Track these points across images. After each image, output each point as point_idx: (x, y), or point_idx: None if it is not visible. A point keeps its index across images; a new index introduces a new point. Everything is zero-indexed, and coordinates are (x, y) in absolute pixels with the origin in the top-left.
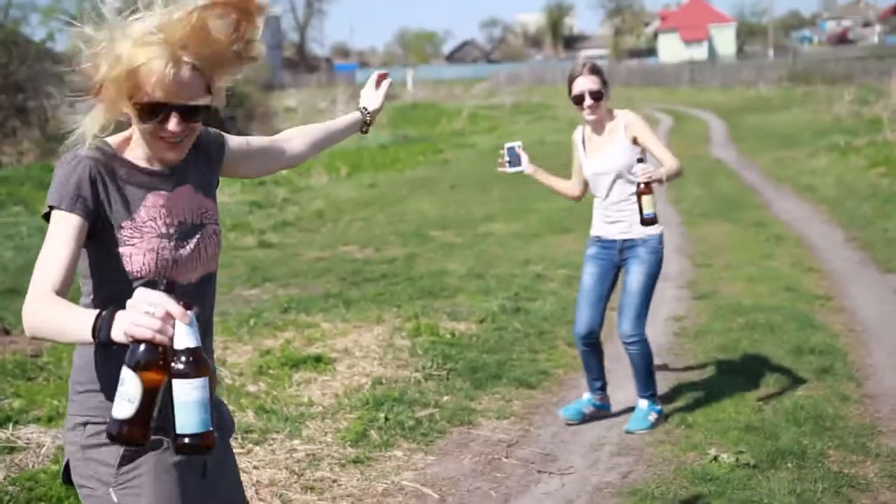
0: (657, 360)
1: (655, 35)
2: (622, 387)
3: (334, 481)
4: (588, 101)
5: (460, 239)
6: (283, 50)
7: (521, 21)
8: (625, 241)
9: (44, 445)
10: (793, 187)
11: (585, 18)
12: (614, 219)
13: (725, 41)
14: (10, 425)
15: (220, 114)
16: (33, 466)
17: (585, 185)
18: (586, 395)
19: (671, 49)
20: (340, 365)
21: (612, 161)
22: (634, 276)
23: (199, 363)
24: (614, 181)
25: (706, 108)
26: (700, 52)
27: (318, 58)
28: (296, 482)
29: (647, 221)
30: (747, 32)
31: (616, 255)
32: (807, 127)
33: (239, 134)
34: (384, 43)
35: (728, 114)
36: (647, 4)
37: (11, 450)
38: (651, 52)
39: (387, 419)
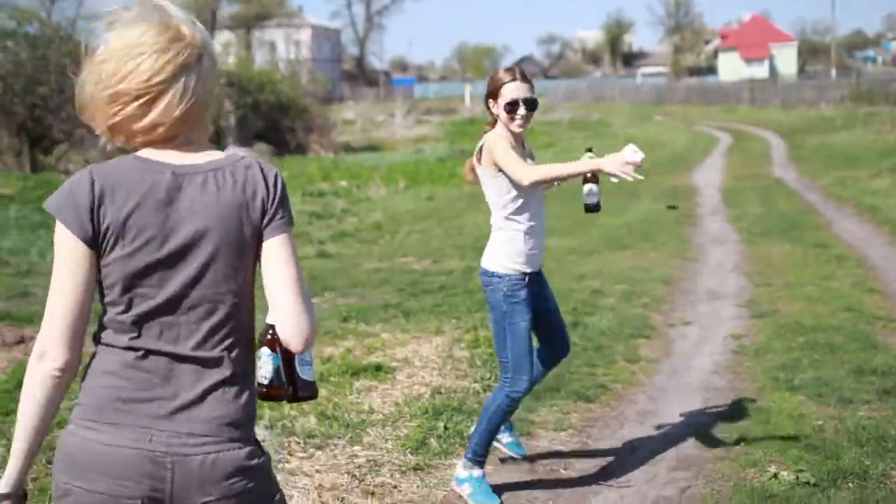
0: (716, 378)
1: (715, 53)
2: (679, 402)
3: (394, 487)
4: (522, 111)
5: None
6: (342, 63)
7: (579, 37)
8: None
9: None
10: (854, 208)
11: (645, 36)
12: (544, 240)
13: (787, 60)
14: None
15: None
16: None
17: None
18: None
19: (731, 67)
20: (400, 374)
21: None
22: (552, 297)
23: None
24: (540, 194)
25: (766, 127)
26: (761, 71)
27: (376, 71)
28: (357, 487)
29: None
30: (809, 51)
31: (534, 286)
32: (870, 147)
33: (298, 145)
34: (443, 58)
35: (789, 133)
36: (707, 22)
37: None
38: (711, 70)
39: (446, 428)
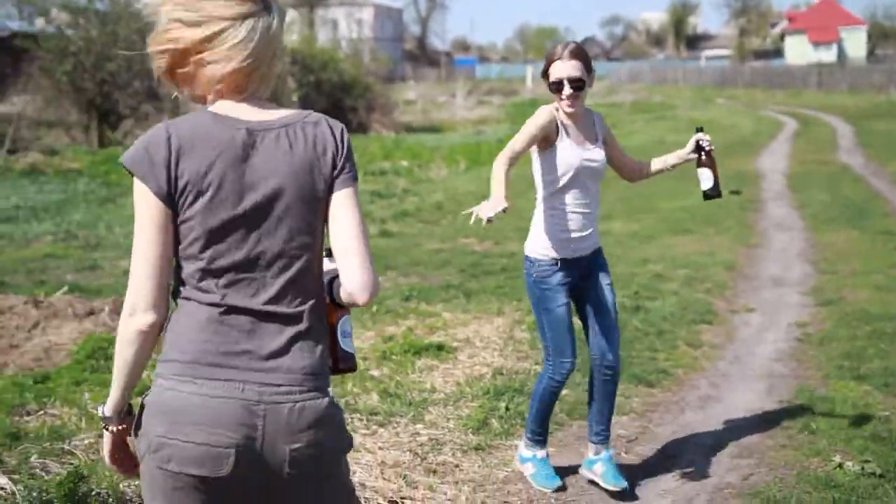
0: (779, 366)
1: (782, 36)
2: (741, 389)
3: (456, 466)
4: (567, 91)
5: None
6: (404, 43)
7: (643, 19)
8: (594, 251)
9: None
10: None
11: (710, 18)
12: (588, 227)
13: (856, 44)
14: None
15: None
16: None
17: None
18: (541, 454)
19: (798, 50)
20: (462, 354)
21: (600, 154)
22: (608, 289)
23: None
24: (591, 180)
25: (833, 112)
26: (829, 55)
27: (438, 51)
28: (419, 465)
29: (712, 194)
30: (879, 35)
31: (582, 272)
32: None
33: (360, 125)
34: (504, 38)
35: (856, 118)
36: (774, 4)
37: None
38: (777, 53)
39: (507, 409)
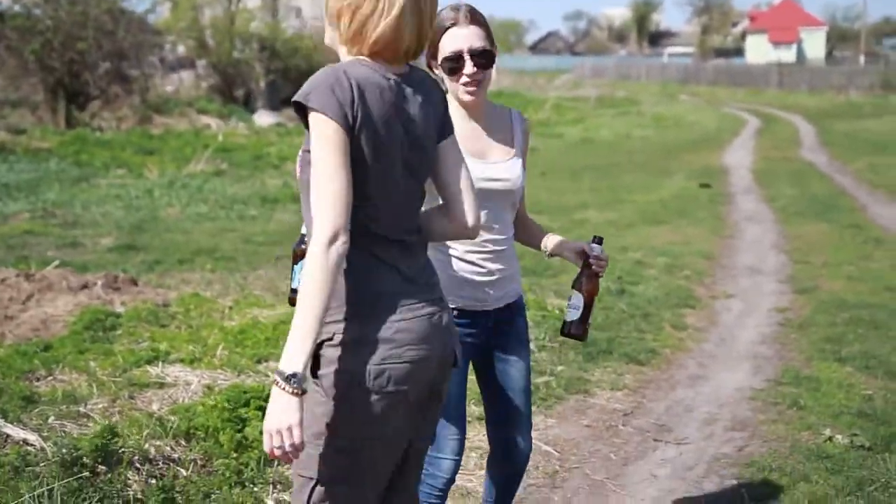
0: (763, 348)
1: (743, 35)
2: (728, 369)
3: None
4: (469, 67)
5: (556, 224)
6: None
7: (606, 14)
8: (502, 307)
9: (191, 383)
10: (887, 193)
11: (672, 15)
12: (498, 271)
13: (815, 45)
14: (160, 364)
15: None
16: (184, 400)
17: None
18: None
19: (759, 50)
20: None
21: (513, 171)
22: (521, 361)
23: None
24: (501, 206)
25: (794, 111)
26: (788, 55)
27: None
28: None
29: (571, 333)
30: (838, 37)
31: (486, 332)
32: None
33: None
34: None
35: (817, 118)
36: (735, 4)
37: (162, 385)
38: (738, 51)
39: None
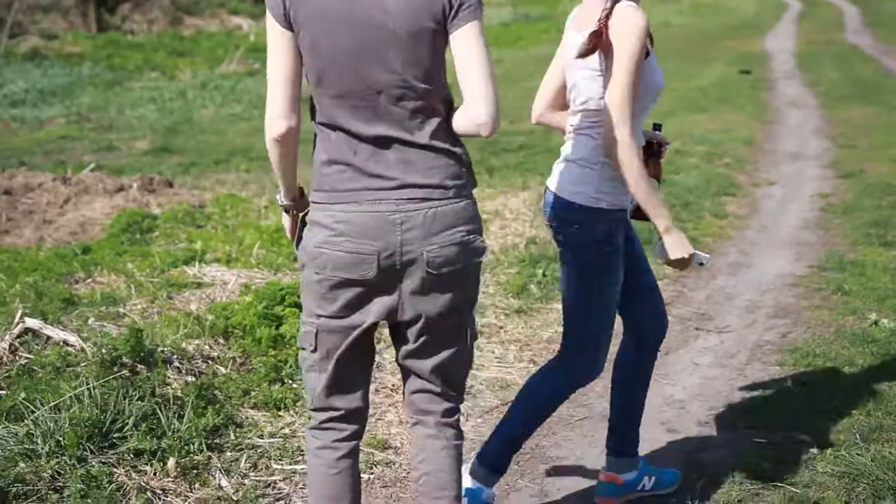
0: (806, 234)
1: None
2: (770, 255)
3: (500, 328)
4: None
5: None
6: None
7: None
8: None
9: (228, 282)
10: None
11: None
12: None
13: None
14: (197, 264)
15: None
16: (221, 299)
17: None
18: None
19: None
20: (493, 225)
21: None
22: (641, 251)
23: None
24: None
25: None
26: None
27: None
28: None
29: (640, 216)
30: None
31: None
32: None
33: None
34: None
35: None
36: None
37: (199, 284)
38: None
39: (544, 275)
